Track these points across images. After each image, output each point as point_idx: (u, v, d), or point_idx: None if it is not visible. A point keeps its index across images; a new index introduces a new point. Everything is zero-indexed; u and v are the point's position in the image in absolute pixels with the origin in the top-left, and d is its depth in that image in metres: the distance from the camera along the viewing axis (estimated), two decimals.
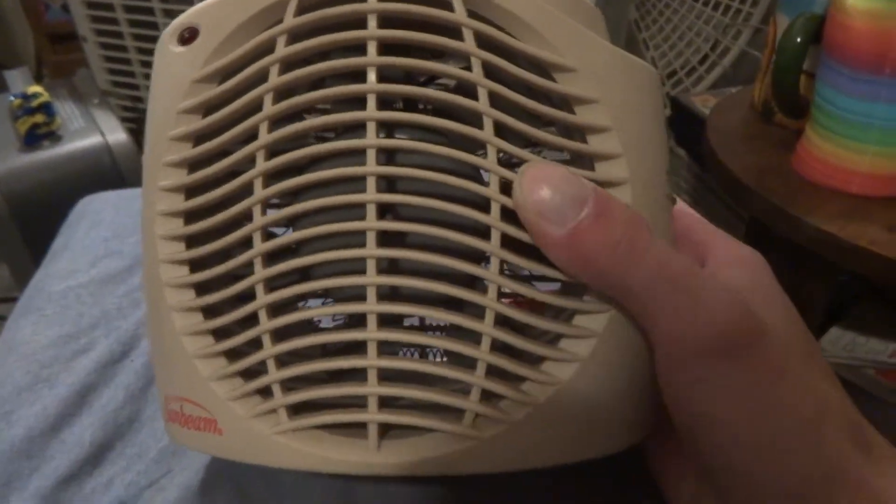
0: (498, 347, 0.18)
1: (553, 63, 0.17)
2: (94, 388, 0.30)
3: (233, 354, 0.19)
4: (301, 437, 0.18)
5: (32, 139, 0.93)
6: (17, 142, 0.93)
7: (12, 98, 0.93)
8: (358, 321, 0.18)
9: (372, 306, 0.17)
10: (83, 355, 0.32)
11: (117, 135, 0.95)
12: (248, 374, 0.19)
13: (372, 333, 0.17)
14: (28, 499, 0.26)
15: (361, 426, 0.18)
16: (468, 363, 0.18)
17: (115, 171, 0.94)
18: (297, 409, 0.19)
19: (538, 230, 0.17)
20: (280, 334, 0.18)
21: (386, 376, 0.18)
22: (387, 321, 0.18)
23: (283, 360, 0.18)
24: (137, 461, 0.27)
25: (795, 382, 0.17)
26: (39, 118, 0.93)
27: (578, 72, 0.17)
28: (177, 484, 0.26)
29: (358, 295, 0.18)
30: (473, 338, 0.18)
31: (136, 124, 1.08)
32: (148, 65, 1.03)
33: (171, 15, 0.97)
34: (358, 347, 0.18)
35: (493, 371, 0.18)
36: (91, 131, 0.95)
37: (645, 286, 0.17)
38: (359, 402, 0.18)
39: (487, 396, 0.18)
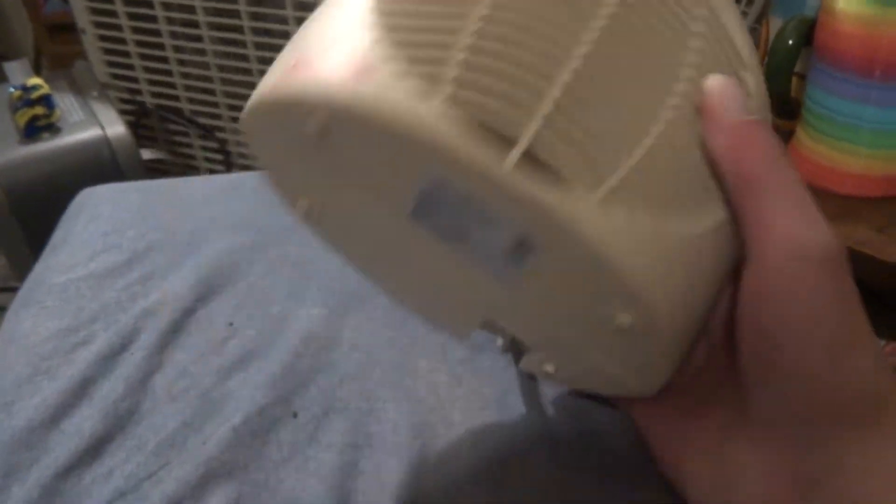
0: None
1: None
2: (93, 380, 0.31)
3: None
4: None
5: (32, 131, 0.93)
6: (17, 134, 0.93)
7: (12, 90, 0.94)
8: None
9: None
10: (83, 348, 0.33)
11: (116, 127, 0.96)
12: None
13: None
14: (29, 489, 0.26)
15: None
16: None
17: (114, 164, 0.94)
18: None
19: (717, 112, 0.19)
20: None
21: None
22: None
23: None
24: (136, 453, 0.28)
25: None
26: (39, 110, 0.93)
27: None
28: (175, 477, 0.26)
29: None
30: None
31: (134, 117, 1.08)
32: (147, 57, 1.04)
33: (170, 8, 0.97)
34: None
35: None
36: (90, 124, 0.96)
37: (780, 191, 0.19)
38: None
39: None
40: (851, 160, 0.52)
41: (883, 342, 0.70)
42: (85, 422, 0.29)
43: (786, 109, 0.60)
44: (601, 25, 0.18)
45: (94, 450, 0.28)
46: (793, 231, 0.19)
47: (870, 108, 0.50)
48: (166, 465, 0.27)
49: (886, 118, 0.50)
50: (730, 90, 0.20)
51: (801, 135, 0.56)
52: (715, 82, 0.20)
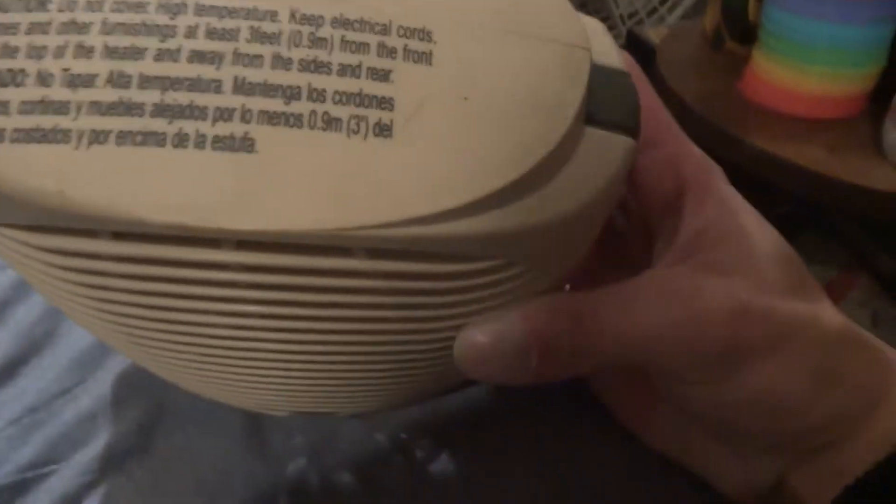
0: None
1: None
2: (8, 303, 0.29)
3: None
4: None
5: None
6: None
7: None
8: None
9: None
10: None
11: None
12: None
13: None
14: None
15: None
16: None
17: None
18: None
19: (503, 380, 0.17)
20: None
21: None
22: None
23: None
24: (50, 371, 0.26)
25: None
26: None
27: None
28: (91, 394, 0.25)
29: None
30: None
31: None
32: None
33: None
34: None
35: None
36: None
37: (624, 351, 0.17)
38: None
39: None
40: (806, 81, 0.52)
41: (833, 273, 0.71)
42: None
43: (744, 33, 0.58)
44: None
45: (8, 372, 0.26)
46: (675, 363, 0.17)
47: (826, 25, 0.49)
48: (81, 382, 0.26)
49: (841, 34, 0.49)
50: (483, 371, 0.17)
51: (758, 57, 0.55)
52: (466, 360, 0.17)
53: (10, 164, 0.13)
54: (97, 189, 0.13)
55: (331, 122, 0.13)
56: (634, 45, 0.88)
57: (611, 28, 1.18)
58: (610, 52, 0.17)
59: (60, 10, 0.14)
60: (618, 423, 0.23)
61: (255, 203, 0.13)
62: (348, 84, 0.14)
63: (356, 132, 0.13)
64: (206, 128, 0.13)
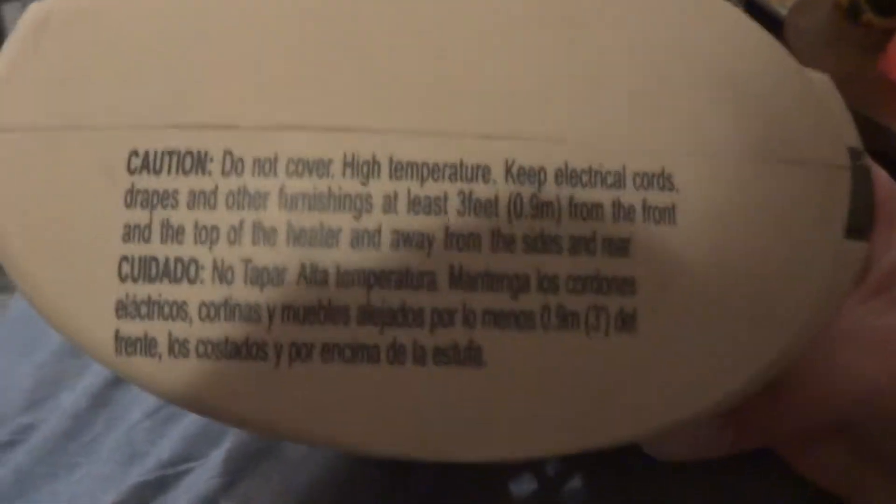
0: None
1: None
2: None
3: None
4: None
5: None
6: None
7: None
8: None
9: None
10: None
11: None
12: None
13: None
14: (77, 397, 0.26)
15: None
16: None
17: None
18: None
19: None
20: None
21: None
22: None
23: None
24: None
25: None
26: None
27: None
28: None
29: None
30: None
31: None
32: None
33: None
34: None
35: None
36: None
37: (834, 412, 0.15)
38: None
39: None
40: None
41: None
42: None
43: (886, 4, 0.53)
44: None
45: None
46: None
47: None
48: None
49: None
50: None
51: None
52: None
53: (202, 386, 0.11)
54: (308, 418, 0.11)
55: (567, 318, 0.11)
56: (754, 12, 0.82)
57: None
58: (849, 131, 0.14)
59: (225, 174, 0.11)
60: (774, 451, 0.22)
61: (490, 430, 0.11)
62: (583, 265, 0.11)
63: (596, 329, 0.11)
64: (425, 337, 0.11)
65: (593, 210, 0.11)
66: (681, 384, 0.11)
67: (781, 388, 0.15)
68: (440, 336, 0.11)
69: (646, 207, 0.11)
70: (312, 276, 0.11)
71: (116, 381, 0.26)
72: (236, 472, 0.23)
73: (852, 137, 0.14)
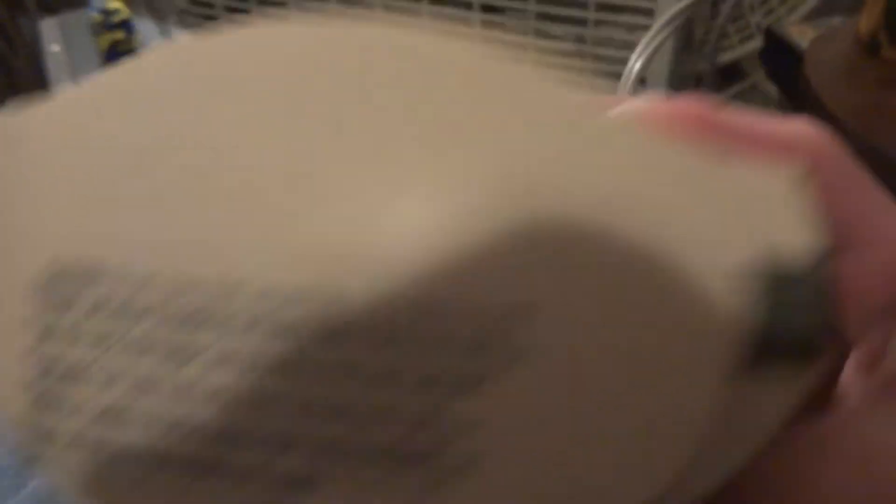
0: None
1: None
2: None
3: None
4: None
5: (113, 56, 0.94)
6: (99, 58, 0.95)
7: (94, 13, 0.95)
8: None
9: None
10: None
11: None
12: None
13: None
14: None
15: None
16: None
17: None
18: None
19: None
20: None
21: None
22: None
23: None
24: None
25: None
26: (119, 35, 0.94)
27: None
28: None
29: None
30: None
31: None
32: None
33: None
34: None
35: None
36: None
37: None
38: None
39: None
40: None
41: None
42: None
43: None
44: None
45: None
46: None
47: None
48: None
49: None
50: None
51: None
52: None
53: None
54: None
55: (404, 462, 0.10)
56: (775, 45, 0.83)
57: (738, 17, 1.11)
58: (794, 239, 0.12)
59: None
60: None
61: None
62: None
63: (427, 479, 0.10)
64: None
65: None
66: None
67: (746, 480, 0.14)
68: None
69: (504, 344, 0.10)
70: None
71: None
72: None
73: (805, 250, 0.12)
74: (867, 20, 0.62)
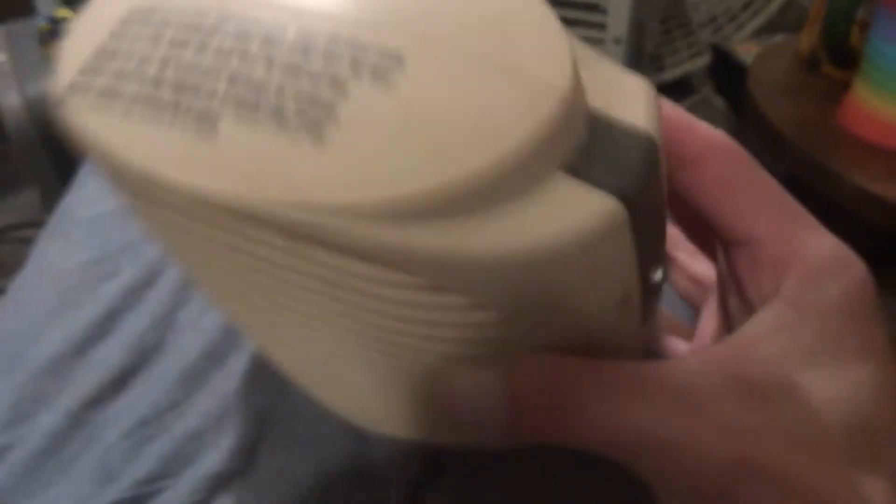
0: None
1: None
2: (119, 312, 0.31)
3: None
4: None
5: None
6: (46, 66, 0.93)
7: (42, 22, 0.93)
8: None
9: None
10: (109, 281, 0.32)
11: None
12: None
13: None
14: (55, 417, 0.26)
15: None
16: None
17: None
18: None
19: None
20: None
21: None
22: None
23: None
24: (159, 383, 0.27)
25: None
26: None
27: None
28: (197, 410, 0.26)
29: None
30: None
31: None
32: None
33: None
34: None
35: None
36: None
37: (612, 450, 0.15)
38: None
39: None
40: None
41: None
42: (111, 353, 0.28)
43: (844, 58, 0.56)
44: None
45: (119, 381, 0.28)
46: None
47: None
48: (187, 398, 0.27)
49: None
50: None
51: (859, 87, 0.53)
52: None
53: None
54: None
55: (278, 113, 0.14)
56: (720, 61, 0.85)
57: (688, 34, 1.15)
58: (638, 114, 0.15)
59: None
60: None
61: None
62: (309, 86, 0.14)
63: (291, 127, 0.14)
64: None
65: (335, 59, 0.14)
66: (340, 177, 0.13)
67: (567, 401, 0.15)
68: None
69: (372, 68, 0.14)
70: None
71: (94, 402, 0.27)
72: (210, 490, 0.24)
73: (642, 123, 0.15)
74: (807, 38, 0.64)
